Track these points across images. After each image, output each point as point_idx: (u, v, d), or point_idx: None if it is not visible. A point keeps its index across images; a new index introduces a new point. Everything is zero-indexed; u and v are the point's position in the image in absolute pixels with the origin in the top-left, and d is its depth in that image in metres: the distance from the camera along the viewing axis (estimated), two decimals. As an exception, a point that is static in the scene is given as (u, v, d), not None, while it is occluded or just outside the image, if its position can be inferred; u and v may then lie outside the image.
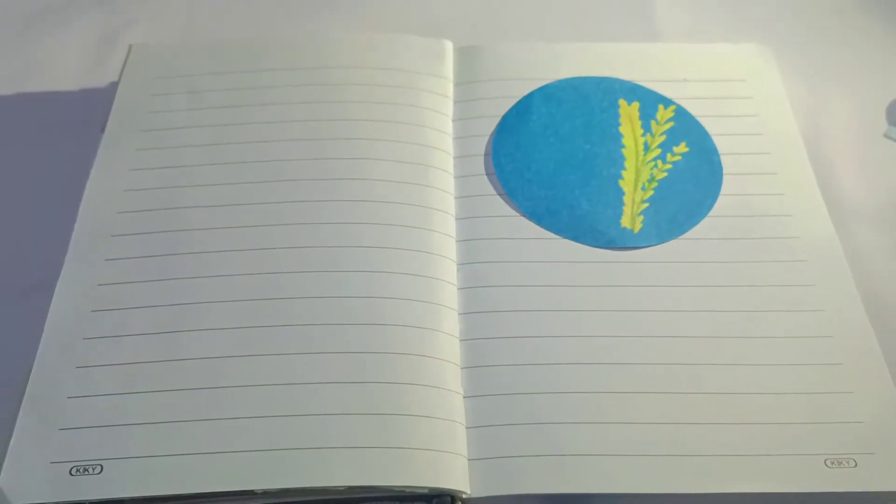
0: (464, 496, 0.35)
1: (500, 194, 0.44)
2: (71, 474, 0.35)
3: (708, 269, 0.42)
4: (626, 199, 0.44)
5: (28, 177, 0.48)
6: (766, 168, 0.45)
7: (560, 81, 0.49)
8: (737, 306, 0.40)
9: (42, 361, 0.38)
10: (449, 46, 0.50)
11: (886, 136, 0.49)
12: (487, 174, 0.45)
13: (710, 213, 0.44)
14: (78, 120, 0.49)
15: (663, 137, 0.47)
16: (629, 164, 0.46)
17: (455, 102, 0.48)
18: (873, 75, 0.52)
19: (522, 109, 0.48)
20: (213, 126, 0.47)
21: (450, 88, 0.49)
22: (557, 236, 0.43)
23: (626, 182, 0.45)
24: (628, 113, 0.48)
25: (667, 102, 0.48)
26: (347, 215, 0.43)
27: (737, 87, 0.49)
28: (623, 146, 0.46)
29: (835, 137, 0.49)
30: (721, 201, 0.44)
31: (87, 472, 0.35)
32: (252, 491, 0.35)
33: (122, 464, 0.35)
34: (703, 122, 0.47)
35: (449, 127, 0.47)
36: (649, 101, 0.48)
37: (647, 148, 0.46)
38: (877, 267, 0.44)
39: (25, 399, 0.37)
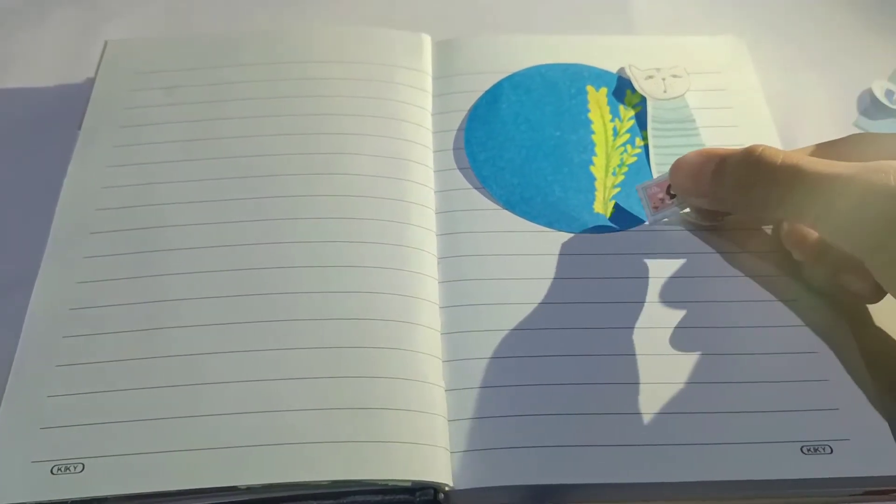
0: (447, 489, 0.35)
1: (477, 188, 0.44)
2: (52, 473, 0.35)
3: (682, 259, 0.42)
4: (598, 184, 0.45)
5: (4, 174, 0.47)
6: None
7: (528, 69, 0.49)
8: (711, 296, 0.41)
9: (21, 360, 0.38)
10: (427, 40, 0.50)
11: (856, 125, 0.50)
12: (464, 168, 0.45)
13: None
14: (54, 116, 0.49)
15: (632, 122, 0.47)
16: (599, 149, 0.46)
17: (434, 96, 0.48)
18: (844, 66, 0.53)
19: (492, 99, 0.48)
20: (191, 122, 0.46)
21: (428, 82, 0.49)
22: (536, 228, 0.43)
23: (597, 168, 0.45)
24: (596, 99, 0.48)
25: (634, 87, 0.48)
26: (326, 210, 0.43)
27: (711, 80, 0.49)
28: (592, 132, 0.47)
29: (807, 127, 0.50)
30: None
31: (68, 471, 0.35)
32: (235, 487, 0.35)
33: (104, 462, 0.35)
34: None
35: (427, 121, 0.47)
36: (617, 87, 0.49)
37: (616, 133, 0.47)
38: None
39: (5, 398, 0.37)
